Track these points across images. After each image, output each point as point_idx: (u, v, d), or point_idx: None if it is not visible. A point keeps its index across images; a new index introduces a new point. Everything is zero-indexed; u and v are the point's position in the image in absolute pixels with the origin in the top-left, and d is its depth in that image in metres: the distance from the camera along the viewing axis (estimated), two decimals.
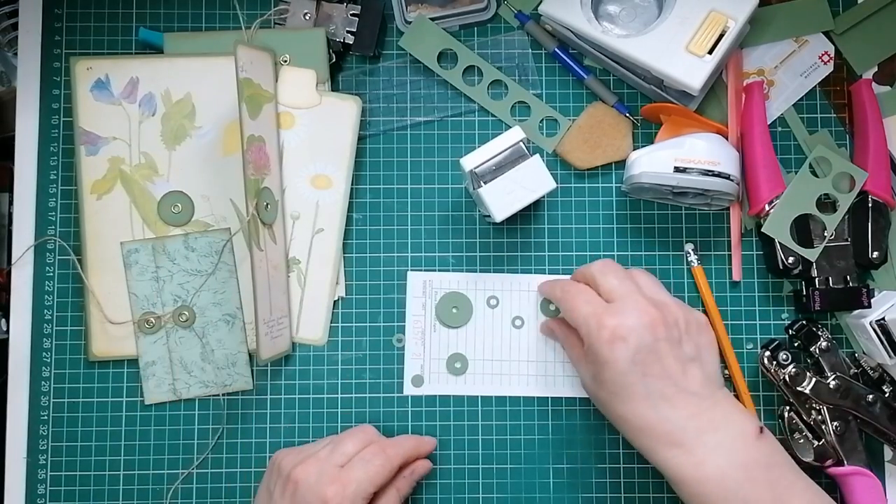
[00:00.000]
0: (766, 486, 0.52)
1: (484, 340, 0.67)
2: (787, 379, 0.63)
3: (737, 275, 0.67)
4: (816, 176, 0.65)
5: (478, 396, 0.67)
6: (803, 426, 0.64)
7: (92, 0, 0.69)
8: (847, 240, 0.65)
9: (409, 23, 0.68)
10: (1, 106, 0.71)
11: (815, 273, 0.65)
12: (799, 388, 0.63)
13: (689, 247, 0.67)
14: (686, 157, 0.62)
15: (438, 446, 0.66)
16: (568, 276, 0.65)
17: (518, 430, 0.67)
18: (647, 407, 0.54)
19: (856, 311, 0.65)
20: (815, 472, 0.64)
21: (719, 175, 0.62)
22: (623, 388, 0.54)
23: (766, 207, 0.65)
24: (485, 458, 0.66)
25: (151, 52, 0.68)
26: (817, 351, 0.64)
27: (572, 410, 0.67)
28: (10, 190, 0.68)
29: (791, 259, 0.64)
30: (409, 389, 0.67)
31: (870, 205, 0.64)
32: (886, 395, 0.63)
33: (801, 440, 0.63)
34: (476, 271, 0.68)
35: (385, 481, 0.58)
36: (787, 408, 0.64)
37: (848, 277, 0.64)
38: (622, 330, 0.54)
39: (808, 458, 0.63)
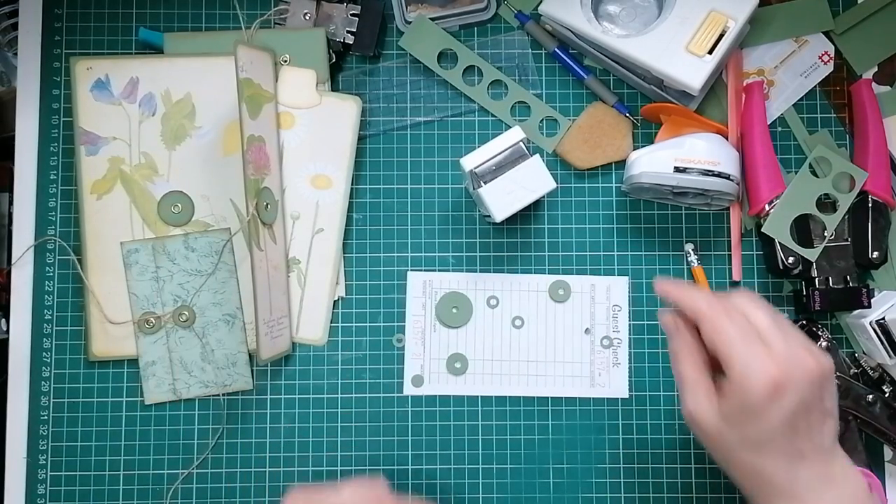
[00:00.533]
0: None
1: (484, 340, 0.67)
2: None
3: (737, 275, 0.67)
4: (816, 176, 0.65)
5: (478, 396, 0.67)
6: None
7: (92, 0, 0.69)
8: (847, 240, 0.65)
9: (409, 23, 0.68)
10: (1, 106, 0.71)
11: (815, 273, 0.65)
12: None
13: (689, 247, 0.67)
14: (686, 157, 0.62)
15: (439, 446, 0.66)
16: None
17: (518, 430, 0.67)
18: (782, 463, 0.49)
19: (856, 311, 0.65)
20: None
21: (719, 175, 0.62)
22: (766, 441, 0.49)
23: (766, 207, 0.65)
24: (485, 458, 0.66)
25: (151, 52, 0.68)
26: None
27: (572, 410, 0.67)
28: (10, 190, 0.68)
29: (791, 259, 0.64)
30: (409, 389, 0.67)
31: (870, 205, 0.64)
32: (886, 395, 0.63)
33: None
34: (476, 271, 0.68)
35: None
36: None
37: (848, 277, 0.64)
38: (787, 384, 0.48)
39: None
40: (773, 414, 0.48)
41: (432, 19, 0.68)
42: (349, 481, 0.58)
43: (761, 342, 0.49)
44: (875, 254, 0.64)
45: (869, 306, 0.64)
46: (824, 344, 0.64)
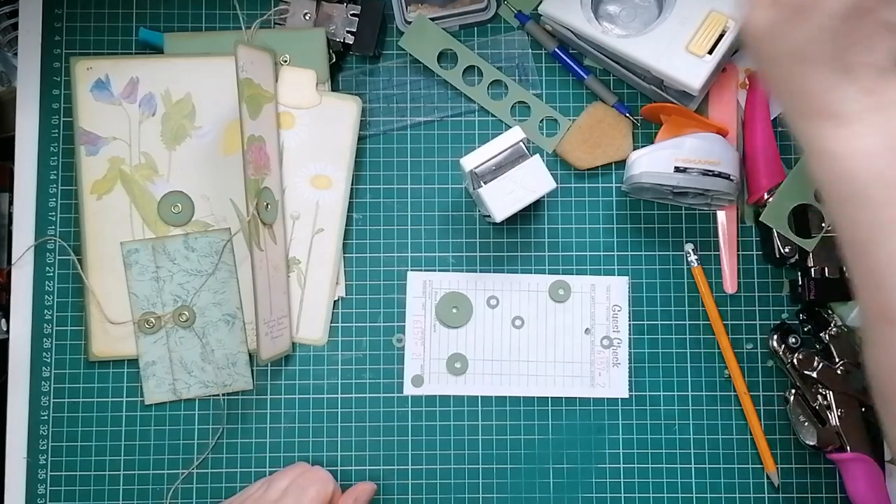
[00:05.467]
0: None
1: (484, 340, 0.67)
2: (796, 362, 0.63)
3: (732, 286, 0.67)
4: None
5: (478, 396, 0.67)
6: (809, 410, 0.64)
7: (92, 0, 0.69)
8: None
9: (410, 23, 0.68)
10: (1, 106, 0.71)
11: (811, 263, 0.65)
12: (806, 372, 0.63)
13: (689, 247, 0.67)
14: (686, 157, 0.62)
15: (439, 446, 0.66)
16: None
17: (518, 430, 0.67)
18: (827, 75, 0.45)
19: (853, 314, 0.65)
20: (817, 456, 0.65)
21: (719, 175, 0.62)
22: (811, 46, 0.45)
23: (766, 196, 0.65)
24: (485, 458, 0.66)
25: (151, 52, 0.68)
26: (827, 337, 0.64)
27: (572, 410, 0.67)
28: (10, 190, 0.68)
29: (788, 248, 0.64)
30: (409, 389, 0.67)
31: None
32: None
33: (806, 423, 0.64)
34: (476, 271, 0.68)
35: None
36: (794, 391, 0.64)
37: (844, 268, 0.65)
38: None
39: (812, 442, 0.63)
40: (823, 9, 0.43)
41: (432, 19, 0.67)
42: (276, 473, 0.62)
43: None
44: None
45: None
46: (834, 330, 0.64)
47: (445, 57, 0.69)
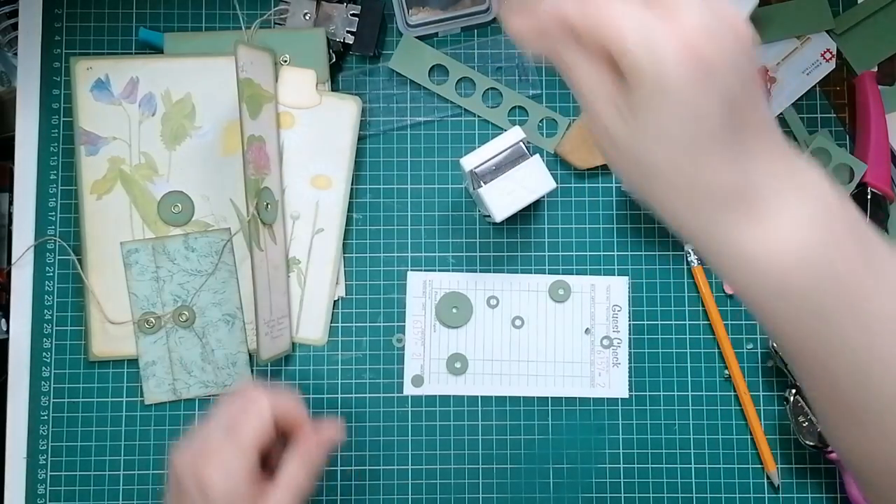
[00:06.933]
0: (862, 263, 0.37)
1: (484, 340, 0.67)
2: None
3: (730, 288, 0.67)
4: None
5: (478, 396, 0.67)
6: (809, 410, 0.64)
7: (92, 0, 0.69)
8: None
9: (411, 25, 0.68)
10: (1, 106, 0.71)
11: None
12: None
13: (689, 247, 0.67)
14: None
15: (439, 446, 0.66)
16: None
17: (518, 430, 0.67)
18: (726, 159, 0.35)
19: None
20: (817, 456, 0.64)
21: None
22: (699, 136, 0.35)
23: None
24: (485, 458, 0.66)
25: (151, 52, 0.68)
26: None
27: (572, 410, 0.67)
28: (10, 190, 0.68)
29: None
30: (409, 389, 0.67)
31: (869, 197, 0.65)
32: None
33: (806, 423, 0.63)
34: (476, 271, 0.68)
35: (266, 431, 0.52)
36: (794, 391, 0.64)
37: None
38: (710, 52, 0.33)
39: (811, 442, 0.63)
40: (701, 97, 0.34)
41: (434, 22, 0.67)
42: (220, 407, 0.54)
43: (663, 5, 0.34)
44: None
45: None
46: None
47: (437, 70, 0.69)
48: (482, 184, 0.61)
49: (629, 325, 0.67)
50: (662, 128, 0.35)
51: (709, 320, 0.67)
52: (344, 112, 0.67)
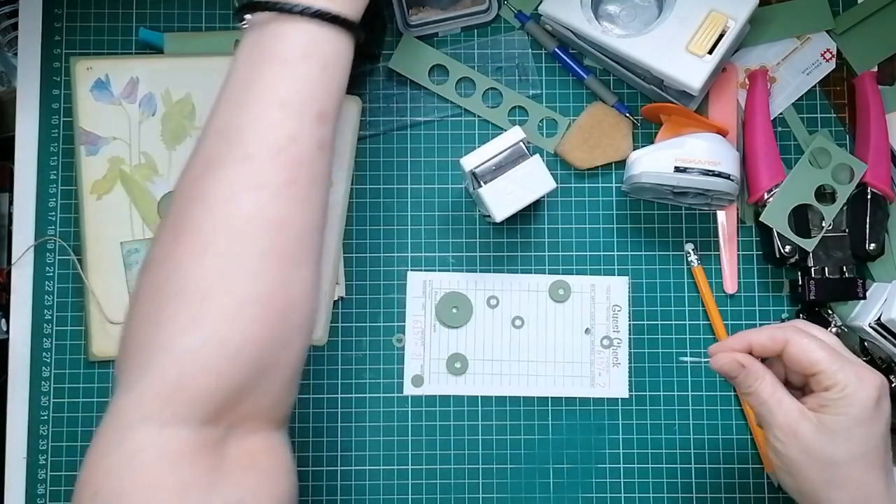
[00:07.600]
0: None
1: (484, 340, 0.67)
2: None
3: (731, 285, 0.67)
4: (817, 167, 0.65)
5: (478, 396, 0.67)
6: None
7: (92, 0, 0.69)
8: (845, 231, 0.65)
9: (411, 25, 0.68)
10: (1, 106, 0.71)
11: (811, 263, 0.65)
12: None
13: (689, 247, 0.67)
14: (686, 157, 0.62)
15: (439, 446, 0.66)
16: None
17: (518, 430, 0.67)
18: (882, 474, 0.49)
19: (852, 314, 0.65)
20: None
21: (719, 175, 0.62)
22: (869, 451, 0.48)
23: (766, 196, 0.65)
24: (485, 458, 0.66)
25: (151, 52, 0.68)
26: None
27: (572, 410, 0.67)
28: (10, 190, 0.68)
29: (788, 248, 0.64)
30: (409, 389, 0.67)
31: (868, 197, 0.65)
32: (893, 384, 0.63)
33: None
34: (476, 271, 0.68)
35: None
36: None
37: (844, 268, 0.65)
38: (884, 391, 0.49)
39: None
40: (878, 422, 0.48)
41: (434, 22, 0.67)
42: None
43: (847, 355, 0.50)
44: (872, 245, 0.64)
45: (864, 297, 0.65)
46: (834, 330, 0.64)
47: (437, 70, 0.69)
48: (482, 184, 0.61)
49: (629, 325, 0.67)
50: (850, 438, 0.48)
51: (709, 320, 0.67)
52: (344, 112, 0.67)
